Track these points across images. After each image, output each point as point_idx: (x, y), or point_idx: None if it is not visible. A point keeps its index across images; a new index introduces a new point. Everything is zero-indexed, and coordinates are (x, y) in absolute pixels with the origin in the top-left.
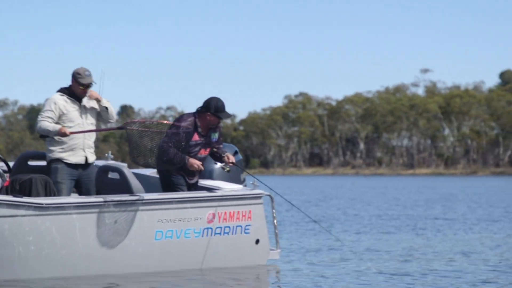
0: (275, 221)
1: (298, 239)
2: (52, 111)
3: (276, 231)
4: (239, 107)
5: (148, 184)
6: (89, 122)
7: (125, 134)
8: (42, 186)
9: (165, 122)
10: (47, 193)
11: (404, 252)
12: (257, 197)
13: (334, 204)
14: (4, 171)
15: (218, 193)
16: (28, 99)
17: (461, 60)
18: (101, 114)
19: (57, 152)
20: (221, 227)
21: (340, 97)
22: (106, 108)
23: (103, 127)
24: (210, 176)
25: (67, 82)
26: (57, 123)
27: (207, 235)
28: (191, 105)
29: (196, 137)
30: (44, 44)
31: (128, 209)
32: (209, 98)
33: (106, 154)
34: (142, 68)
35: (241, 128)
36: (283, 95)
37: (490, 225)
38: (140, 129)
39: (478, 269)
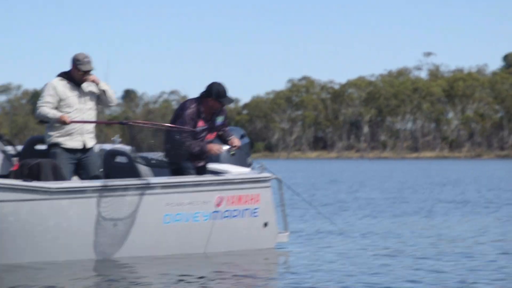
0: (283, 204)
1: (307, 222)
2: (52, 96)
3: (285, 214)
4: (242, 91)
5: (155, 168)
6: (88, 107)
7: (129, 118)
8: (50, 170)
9: (169, 126)
10: (56, 177)
11: (415, 234)
12: (265, 180)
13: (342, 187)
14: (13, 156)
15: (226, 176)
16: (31, 84)
17: (464, 43)
18: (100, 98)
19: (54, 137)
20: (229, 210)
21: (343, 80)
22: (104, 91)
23: (106, 112)
24: (217, 160)
25: (69, 66)
26: (56, 108)
27: (215, 219)
28: (194, 89)
29: (201, 122)
30: (47, 28)
31: (136, 193)
32: (210, 83)
33: (113, 138)
34: (145, 52)
35: (245, 112)
36: (286, 79)
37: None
38: (141, 123)
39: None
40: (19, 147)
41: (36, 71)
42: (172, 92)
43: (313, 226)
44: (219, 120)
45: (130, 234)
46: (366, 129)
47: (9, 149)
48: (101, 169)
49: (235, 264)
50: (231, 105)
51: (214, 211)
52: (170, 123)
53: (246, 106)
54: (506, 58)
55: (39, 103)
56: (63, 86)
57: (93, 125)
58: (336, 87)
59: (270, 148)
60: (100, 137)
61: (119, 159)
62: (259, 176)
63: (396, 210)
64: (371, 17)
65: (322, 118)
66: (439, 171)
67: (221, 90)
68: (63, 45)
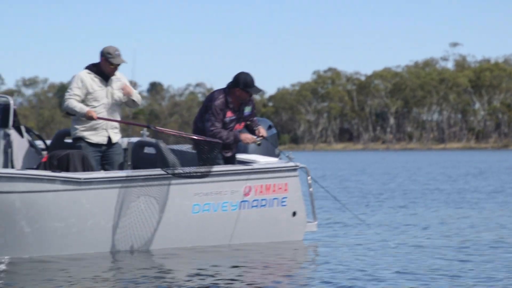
0: (311, 193)
1: (333, 214)
2: (79, 88)
3: (313, 203)
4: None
5: (183, 159)
6: (115, 103)
7: (154, 112)
8: (79, 161)
9: (194, 137)
10: (84, 168)
11: (446, 227)
12: (293, 169)
13: (371, 179)
14: (42, 149)
15: (254, 166)
16: (58, 77)
17: (490, 33)
18: (127, 103)
19: (80, 130)
20: (257, 200)
21: (369, 72)
22: (134, 101)
23: (127, 112)
24: (245, 151)
25: (96, 59)
26: (82, 101)
27: (243, 208)
28: (220, 82)
29: (229, 113)
30: (73, 21)
31: (164, 183)
32: (238, 73)
33: (142, 132)
34: (171, 45)
35: (271, 104)
36: (312, 70)
37: None
38: (167, 132)
39: None
40: (48, 141)
41: (63, 64)
42: (198, 85)
43: (340, 217)
44: (247, 110)
45: (159, 224)
46: (392, 120)
47: (39, 143)
48: (129, 163)
49: (264, 254)
50: (257, 97)
51: (242, 201)
52: (198, 115)
53: (271, 98)
54: None
55: (67, 95)
56: (91, 80)
57: (119, 119)
58: (362, 78)
59: (296, 140)
60: (127, 131)
61: (147, 150)
62: (287, 165)
63: (428, 200)
64: (397, 8)
65: (348, 109)
66: (467, 162)
67: (248, 80)
68: (89, 37)
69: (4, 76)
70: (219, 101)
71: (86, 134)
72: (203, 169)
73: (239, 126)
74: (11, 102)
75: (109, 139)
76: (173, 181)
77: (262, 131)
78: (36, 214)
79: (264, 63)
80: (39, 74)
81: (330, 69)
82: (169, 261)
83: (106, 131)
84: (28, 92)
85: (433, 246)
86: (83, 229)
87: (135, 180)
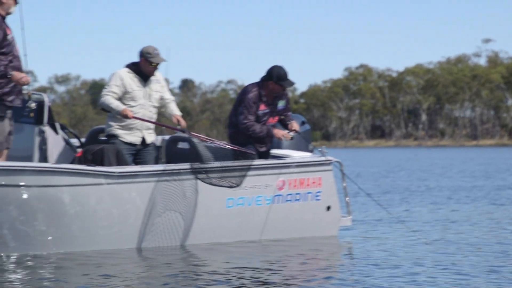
0: (345, 187)
1: (371, 209)
2: (118, 86)
3: (347, 198)
4: (300, 79)
5: (217, 155)
6: (151, 104)
7: (185, 109)
8: (113, 155)
9: (231, 146)
10: (119, 163)
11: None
12: (327, 163)
13: (406, 175)
14: (77, 147)
15: (288, 160)
16: (90, 74)
17: None
18: (164, 105)
19: (114, 128)
20: (291, 194)
21: (401, 68)
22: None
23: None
24: (278, 146)
25: (128, 55)
26: (119, 99)
27: (278, 202)
28: (251, 79)
29: (262, 106)
30: (105, 18)
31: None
32: (271, 66)
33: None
34: (203, 42)
35: (302, 100)
36: (343, 67)
37: None
38: (201, 138)
39: None
40: (83, 140)
41: (95, 61)
42: (230, 82)
43: (373, 213)
44: (281, 104)
45: (194, 219)
46: (424, 117)
47: (74, 141)
48: (163, 160)
49: (299, 249)
50: (289, 94)
51: (276, 195)
52: (233, 110)
53: (303, 94)
54: None
55: (105, 91)
56: (130, 79)
57: (154, 120)
58: (394, 75)
59: (328, 137)
60: (162, 130)
61: (181, 145)
62: (321, 159)
63: (464, 197)
64: (430, 4)
65: (379, 106)
66: (503, 159)
67: (281, 73)
68: (121, 35)
69: (37, 73)
70: (252, 94)
71: (120, 132)
72: (233, 180)
73: (273, 120)
74: (46, 99)
75: (143, 139)
76: None
77: (295, 125)
78: (68, 209)
79: (296, 60)
80: (72, 71)
81: (361, 66)
82: (203, 256)
83: (141, 132)
84: (61, 89)
85: (471, 243)
86: (118, 223)
87: (170, 174)
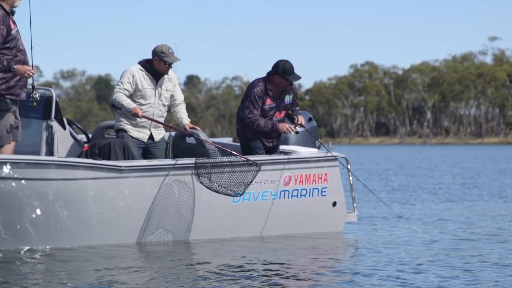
0: (351, 183)
1: (373, 205)
2: (130, 83)
3: (353, 193)
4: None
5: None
6: (161, 103)
7: (190, 105)
8: (120, 149)
9: (238, 156)
10: (125, 157)
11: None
12: (333, 159)
13: (410, 173)
14: (84, 142)
15: (294, 155)
16: (95, 70)
17: None
18: (173, 105)
19: (123, 123)
20: (297, 190)
21: (406, 66)
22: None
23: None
24: (285, 142)
25: (134, 51)
26: (130, 96)
27: (284, 198)
28: (257, 75)
29: (268, 101)
30: (111, 13)
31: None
32: (277, 61)
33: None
34: (209, 38)
35: (307, 97)
36: (349, 64)
37: None
38: (211, 143)
39: None
40: (90, 135)
41: (101, 57)
42: (235, 78)
43: (378, 210)
44: (288, 99)
45: (199, 214)
46: (429, 114)
47: (81, 136)
48: (170, 156)
49: (305, 244)
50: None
51: (283, 190)
52: (240, 104)
53: (308, 91)
54: None
55: (117, 88)
56: (141, 76)
57: (163, 120)
58: (399, 72)
59: (332, 134)
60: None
61: (188, 140)
62: (327, 155)
63: (468, 195)
64: (436, 1)
65: (384, 103)
66: (508, 157)
67: (287, 67)
68: (127, 31)
69: (42, 68)
70: (258, 88)
71: (129, 128)
72: (235, 187)
73: (279, 115)
74: (54, 94)
75: (151, 137)
76: None
77: (301, 119)
78: (74, 202)
79: (301, 57)
80: (77, 67)
81: (367, 63)
82: (206, 251)
83: (149, 130)
84: (66, 84)
85: (474, 239)
86: (123, 217)
87: (176, 169)
